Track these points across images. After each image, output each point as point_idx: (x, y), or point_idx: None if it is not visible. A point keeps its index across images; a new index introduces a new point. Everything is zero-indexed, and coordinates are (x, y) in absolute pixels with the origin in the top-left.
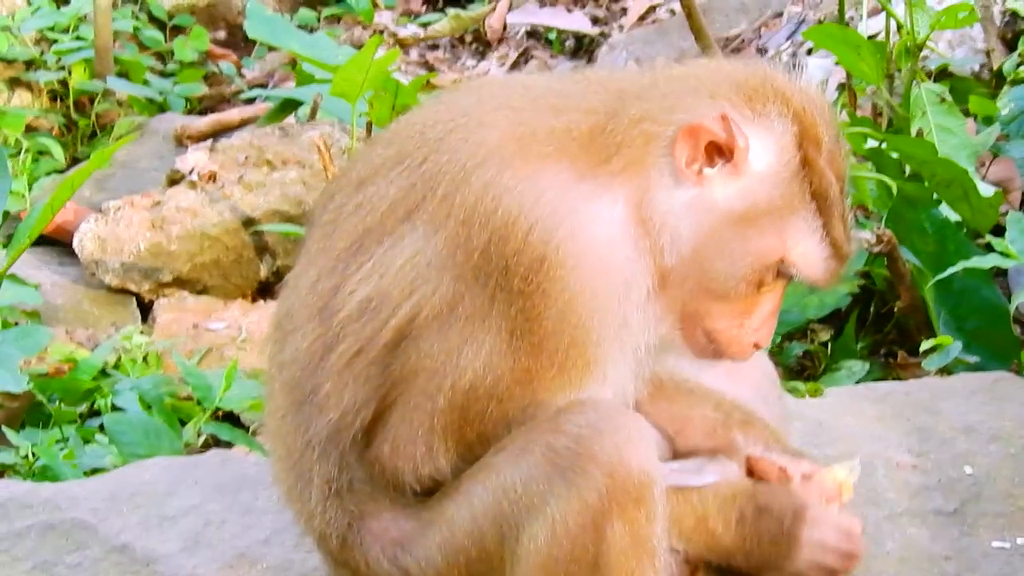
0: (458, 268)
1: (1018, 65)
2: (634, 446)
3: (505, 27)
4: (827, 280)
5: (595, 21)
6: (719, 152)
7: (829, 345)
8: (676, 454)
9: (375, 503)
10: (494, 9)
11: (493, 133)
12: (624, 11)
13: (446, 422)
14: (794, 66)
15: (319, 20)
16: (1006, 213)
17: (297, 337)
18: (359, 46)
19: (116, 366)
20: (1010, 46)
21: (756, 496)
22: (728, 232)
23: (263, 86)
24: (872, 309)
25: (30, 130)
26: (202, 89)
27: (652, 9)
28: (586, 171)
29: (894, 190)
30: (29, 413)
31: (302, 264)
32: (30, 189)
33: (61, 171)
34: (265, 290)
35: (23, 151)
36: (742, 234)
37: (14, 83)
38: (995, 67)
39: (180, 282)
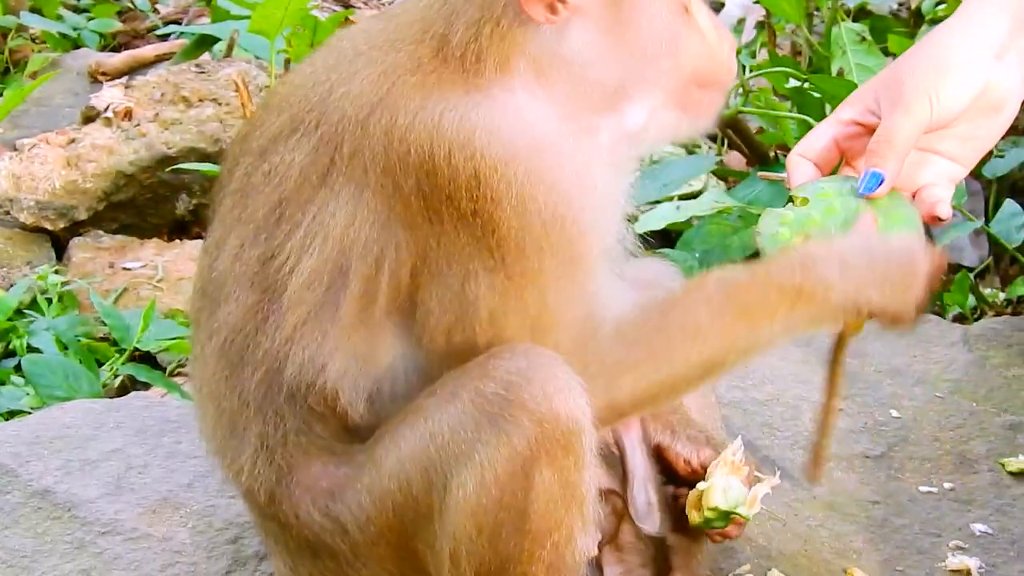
0: (404, 217)
1: (936, 4)
2: (563, 393)
3: None
4: None
5: None
6: None
7: None
8: None
9: (306, 455)
10: None
11: (365, 80)
12: None
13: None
14: (712, 4)
15: None
16: None
17: (230, 305)
18: None
19: (31, 306)
20: None
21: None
22: (630, 12)
23: (177, 22)
24: None
25: None
26: (116, 25)
27: None
28: (464, 83)
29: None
30: None
31: (219, 232)
32: None
33: None
34: (182, 229)
35: None
36: None
37: None
38: (913, 6)
39: (96, 220)
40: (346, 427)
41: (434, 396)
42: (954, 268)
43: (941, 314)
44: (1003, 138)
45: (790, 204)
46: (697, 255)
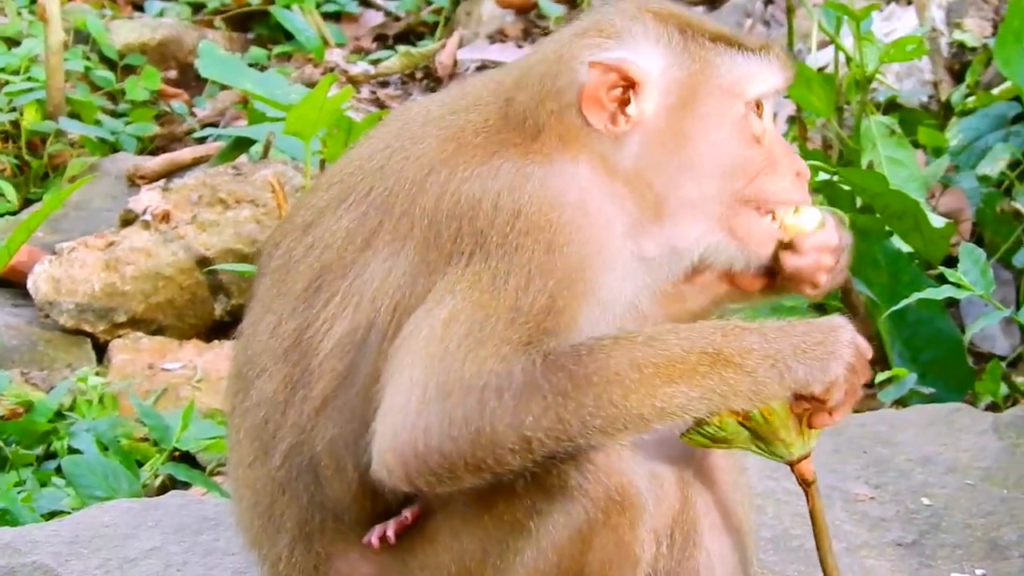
0: (430, 265)
1: (966, 96)
2: (614, 457)
3: (455, 63)
4: (786, 74)
5: None
6: (624, 90)
7: None
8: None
9: (344, 542)
10: (444, 46)
11: (430, 143)
12: None
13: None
14: None
15: (270, 58)
16: (957, 244)
17: (263, 381)
18: (310, 84)
19: (72, 408)
20: (957, 77)
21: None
22: (691, 134)
23: (215, 125)
24: None
25: None
26: (154, 128)
27: None
28: (526, 148)
29: (846, 222)
30: None
31: (256, 311)
32: None
33: (14, 212)
34: (220, 329)
35: None
36: (702, 122)
37: None
38: (943, 98)
39: (135, 322)
40: (383, 509)
41: None
42: (986, 357)
43: (973, 403)
44: None
45: None
46: None
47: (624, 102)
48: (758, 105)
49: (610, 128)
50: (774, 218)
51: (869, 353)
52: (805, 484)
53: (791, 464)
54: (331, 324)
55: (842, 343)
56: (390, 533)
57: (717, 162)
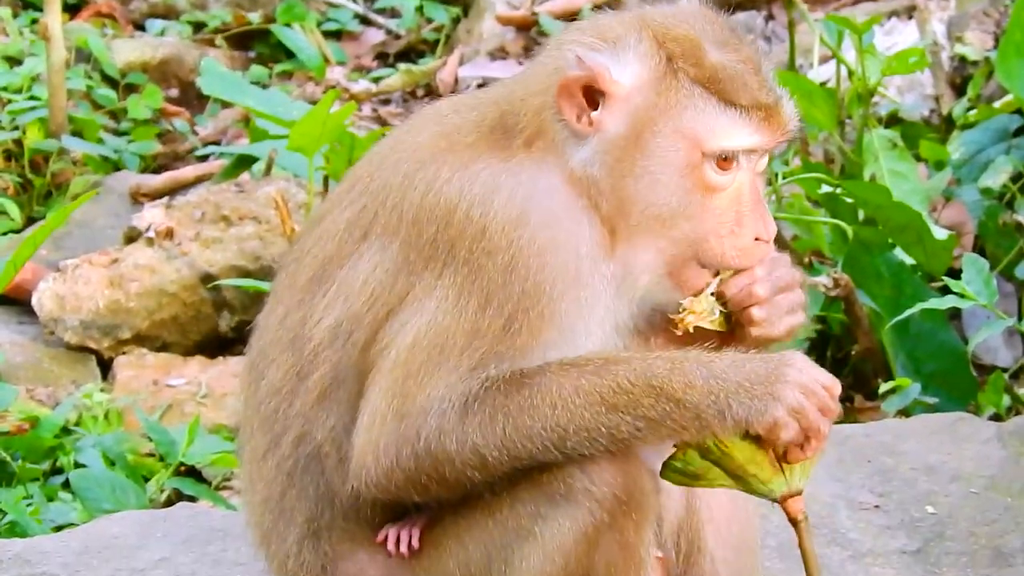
0: (411, 265)
1: (967, 109)
2: (619, 459)
3: (457, 81)
4: (773, 136)
5: None
6: (598, 92)
7: None
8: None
9: (352, 542)
10: (445, 63)
11: (426, 138)
12: None
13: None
14: None
15: (271, 76)
16: (959, 256)
17: (272, 371)
18: (312, 101)
19: (77, 423)
20: (959, 91)
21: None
22: (634, 155)
23: (217, 143)
24: (829, 354)
25: None
26: (156, 147)
27: None
28: (506, 150)
29: (849, 235)
30: None
31: (269, 305)
32: None
33: (17, 231)
34: (224, 345)
35: None
36: (647, 150)
37: None
38: (944, 112)
39: (139, 339)
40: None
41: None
42: (988, 369)
43: (976, 414)
44: None
45: None
46: None
47: (594, 105)
48: (726, 159)
49: (574, 125)
50: (717, 274)
51: (835, 388)
52: (793, 523)
53: (778, 502)
54: (324, 314)
55: (784, 382)
56: (415, 542)
57: (655, 201)
